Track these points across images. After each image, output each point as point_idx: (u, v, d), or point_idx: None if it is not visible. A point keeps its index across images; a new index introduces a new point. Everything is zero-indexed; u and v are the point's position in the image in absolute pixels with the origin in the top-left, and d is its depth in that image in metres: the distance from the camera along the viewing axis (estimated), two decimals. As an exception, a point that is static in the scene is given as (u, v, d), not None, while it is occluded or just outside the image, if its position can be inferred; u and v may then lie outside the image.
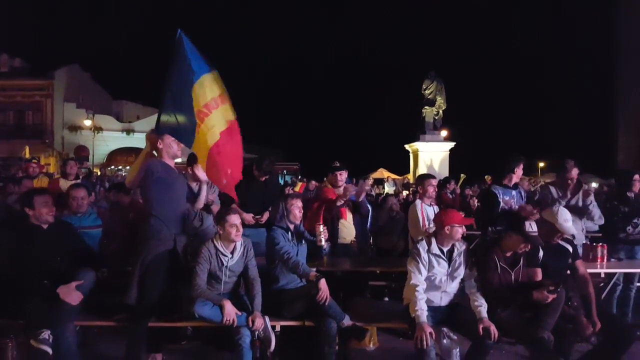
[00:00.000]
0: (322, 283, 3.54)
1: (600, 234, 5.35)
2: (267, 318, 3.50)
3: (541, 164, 34.13)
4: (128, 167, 24.26)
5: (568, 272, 3.82)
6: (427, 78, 21.32)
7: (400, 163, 25.18)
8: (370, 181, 15.63)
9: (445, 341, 3.97)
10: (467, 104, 46.06)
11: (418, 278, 3.49)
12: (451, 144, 21.17)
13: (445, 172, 18.64)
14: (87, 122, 28.89)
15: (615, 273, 4.70)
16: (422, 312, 3.33)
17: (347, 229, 4.91)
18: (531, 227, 3.45)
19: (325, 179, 5.34)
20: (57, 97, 29.68)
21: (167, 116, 3.68)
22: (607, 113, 39.49)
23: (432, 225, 4.14)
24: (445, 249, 3.58)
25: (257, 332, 3.42)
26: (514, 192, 4.49)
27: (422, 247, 3.57)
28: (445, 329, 3.93)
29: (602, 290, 4.73)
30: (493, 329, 3.25)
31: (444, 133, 21.75)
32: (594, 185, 20.10)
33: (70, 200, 4.29)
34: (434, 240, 3.58)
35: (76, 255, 3.67)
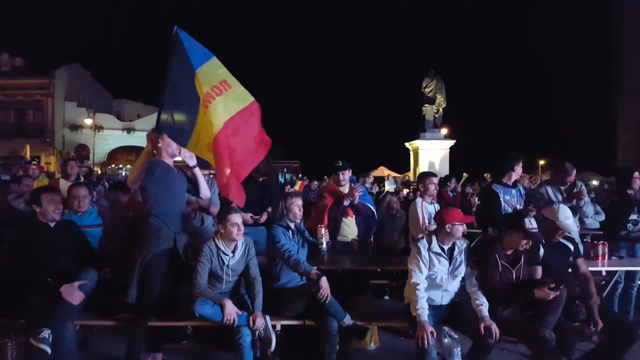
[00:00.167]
0: (323, 281, 3.52)
1: (601, 232, 5.34)
2: (267, 317, 3.49)
3: (541, 162, 34.14)
4: (129, 166, 24.28)
5: (569, 270, 3.81)
6: (427, 76, 21.23)
7: (400, 161, 25.16)
8: (370, 179, 15.59)
9: (446, 340, 3.95)
10: (467, 101, 46.08)
11: (419, 277, 3.48)
12: (451, 142, 21.11)
13: (445, 170, 18.58)
14: (88, 121, 28.96)
15: (616, 271, 4.68)
16: (423, 311, 3.32)
17: (350, 227, 4.88)
18: (531, 223, 3.44)
19: (326, 177, 5.32)
20: (58, 96, 29.66)
21: (165, 115, 3.67)
22: (608, 110, 39.41)
23: (432, 223, 4.12)
24: (446, 247, 3.57)
25: (257, 332, 3.41)
26: (513, 191, 4.50)
27: (423, 245, 3.56)
28: (446, 328, 3.91)
29: (604, 289, 4.72)
30: (494, 327, 3.24)
31: (444, 131, 21.69)
32: (595, 183, 20.09)
33: (72, 199, 4.28)
34: (434, 239, 3.57)
35: (80, 254, 3.70)
